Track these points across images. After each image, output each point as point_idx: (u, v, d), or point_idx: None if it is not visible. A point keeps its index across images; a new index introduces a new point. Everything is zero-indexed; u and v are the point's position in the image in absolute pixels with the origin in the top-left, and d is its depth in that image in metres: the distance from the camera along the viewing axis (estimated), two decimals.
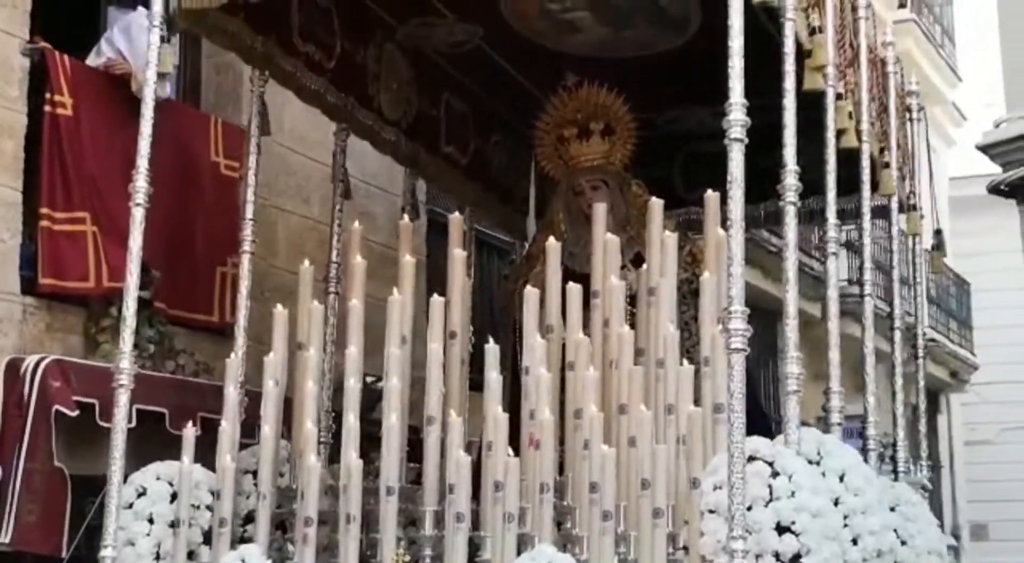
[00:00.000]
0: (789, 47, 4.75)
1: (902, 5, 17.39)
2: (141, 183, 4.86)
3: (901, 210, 6.50)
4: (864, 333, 5.66)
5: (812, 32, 4.90)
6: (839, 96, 5.30)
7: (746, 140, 4.26)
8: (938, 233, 6.90)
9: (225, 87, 7.32)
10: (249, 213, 5.56)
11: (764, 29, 4.88)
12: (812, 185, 5.07)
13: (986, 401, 19.97)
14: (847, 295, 5.98)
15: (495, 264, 9.44)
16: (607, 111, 6.25)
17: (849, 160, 5.61)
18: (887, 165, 5.88)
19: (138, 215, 4.84)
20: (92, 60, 6.26)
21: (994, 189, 8.08)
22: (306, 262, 5.32)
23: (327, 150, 7.29)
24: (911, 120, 6.90)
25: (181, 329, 6.47)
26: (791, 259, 4.67)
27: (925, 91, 17.95)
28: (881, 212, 6.51)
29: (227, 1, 4.83)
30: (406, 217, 5.85)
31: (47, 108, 5.92)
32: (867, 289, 5.85)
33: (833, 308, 5.18)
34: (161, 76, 4.79)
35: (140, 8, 6.23)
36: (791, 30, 4.74)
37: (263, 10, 5.34)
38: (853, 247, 12.37)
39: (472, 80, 6.81)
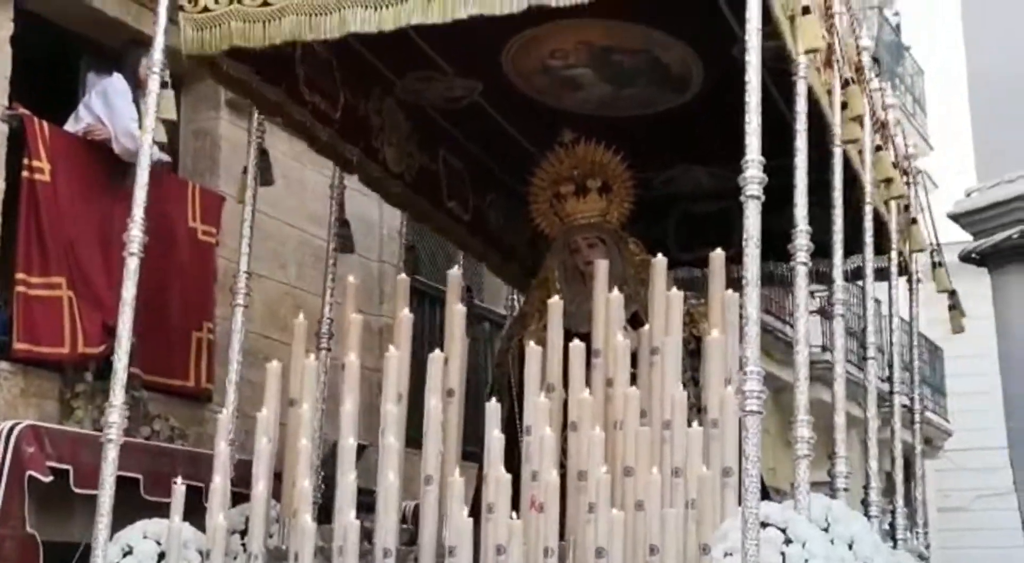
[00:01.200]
0: (801, 106, 4.69)
1: (877, 74, 17.55)
2: (136, 232, 4.72)
3: (901, 272, 6.46)
4: (868, 397, 5.57)
5: (846, 83, 4.84)
6: (878, 148, 5.25)
7: (763, 197, 4.17)
8: (953, 293, 6.86)
9: (203, 153, 7.33)
10: (244, 265, 5.44)
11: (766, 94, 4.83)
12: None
13: (960, 468, 19.89)
14: (817, 361, 5.92)
15: (484, 334, 9.30)
16: (604, 168, 6.18)
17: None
18: (915, 221, 5.81)
19: (132, 265, 4.70)
20: (71, 126, 6.28)
21: (966, 257, 8.09)
22: (300, 316, 5.22)
23: (303, 216, 7.36)
24: (910, 183, 6.90)
25: (156, 394, 6.44)
26: (801, 320, 4.59)
27: None
28: (878, 274, 6.46)
29: (228, 48, 4.72)
30: (403, 273, 5.73)
31: (25, 173, 5.93)
32: (871, 352, 5.76)
33: (839, 368, 5.11)
34: (163, 122, 4.67)
35: (116, 74, 6.30)
36: (803, 88, 4.69)
37: (270, 60, 5.27)
38: (826, 313, 12.41)
39: (468, 136, 6.73)
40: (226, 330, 5.61)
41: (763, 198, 4.19)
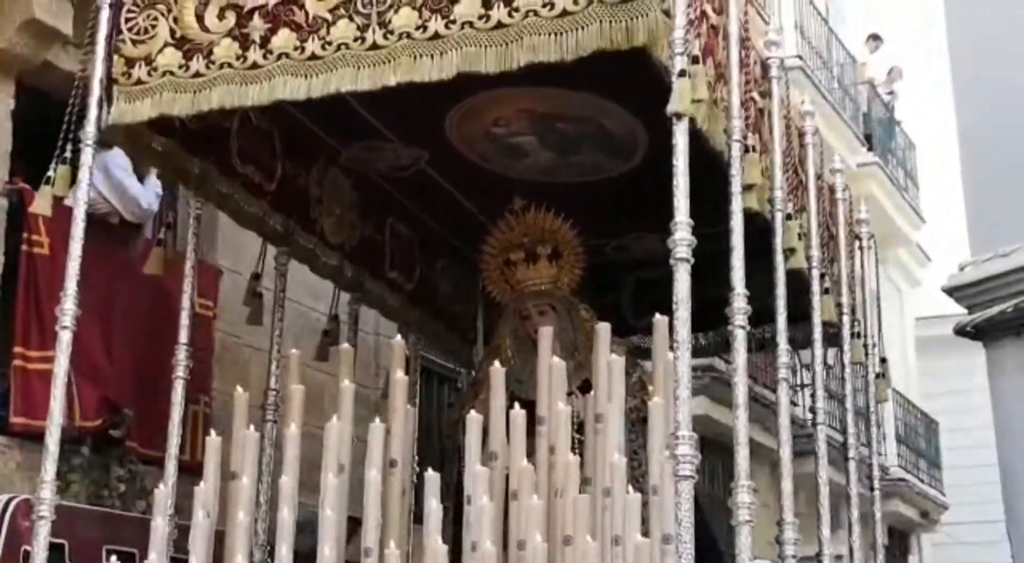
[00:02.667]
0: (736, 169, 4.70)
1: (870, 148, 17.67)
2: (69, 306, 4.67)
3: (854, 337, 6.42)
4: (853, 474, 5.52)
5: (747, 150, 4.84)
6: (788, 216, 5.25)
7: (692, 260, 4.16)
8: (883, 361, 6.84)
9: (202, 228, 7.20)
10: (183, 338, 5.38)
11: (714, 159, 4.83)
12: (763, 313, 5.00)
13: (958, 541, 19.72)
14: (800, 435, 5.88)
15: (444, 393, 9.23)
16: (554, 235, 6.16)
17: (794, 287, 5.52)
18: (827, 291, 5.80)
19: (64, 338, 4.66)
20: (70, 200, 6.21)
21: (960, 331, 8.11)
22: (239, 388, 5.17)
23: (304, 290, 7.28)
24: (861, 248, 6.87)
25: (152, 468, 6.33)
26: (740, 383, 4.54)
27: (889, 233, 18.28)
28: (833, 340, 6.42)
29: (157, 116, 4.72)
30: (346, 343, 5.69)
31: (24, 247, 6.01)
32: (819, 418, 5.73)
33: (784, 435, 5.06)
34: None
35: (116, 149, 6.25)
36: (738, 151, 4.69)
37: (199, 134, 5.29)
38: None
39: (417, 205, 6.69)
40: (223, 404, 5.63)
41: (692, 261, 4.17)
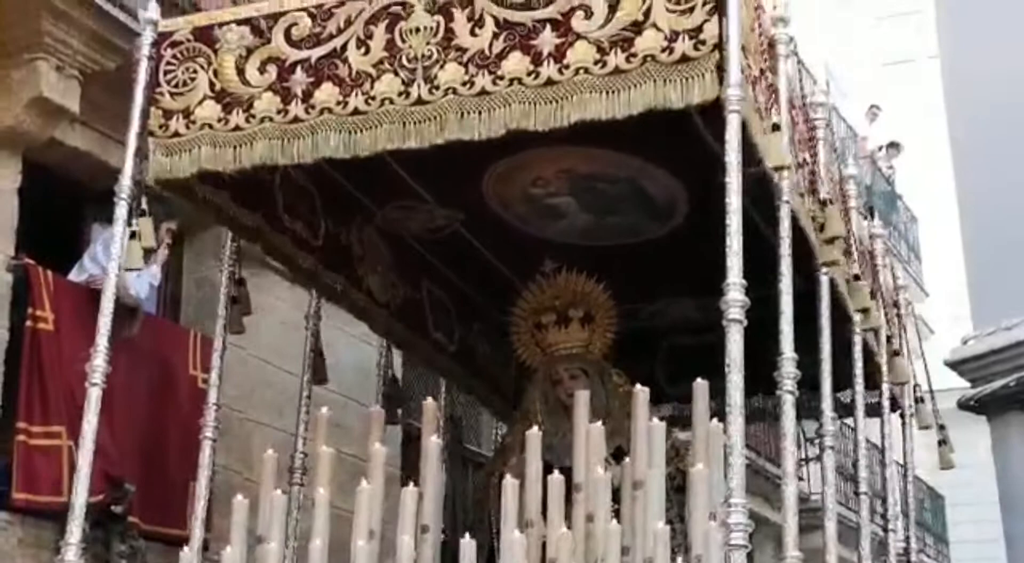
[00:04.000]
0: (785, 230, 4.60)
1: (870, 215, 17.59)
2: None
3: (893, 408, 6.28)
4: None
5: (823, 203, 4.74)
6: (856, 277, 5.14)
7: (745, 321, 4.04)
8: (942, 428, 6.70)
9: (204, 301, 7.23)
10: (213, 397, 5.25)
11: (751, 225, 4.74)
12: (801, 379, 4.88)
13: None
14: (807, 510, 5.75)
15: (469, 476, 9.06)
16: (587, 298, 6.08)
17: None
18: (897, 353, 5.68)
19: (94, 395, 4.55)
20: (75, 275, 6.31)
21: (964, 405, 8.01)
22: (270, 450, 5.04)
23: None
24: (900, 315, 6.76)
25: (155, 544, 6.30)
26: (789, 449, 4.41)
27: None
28: (872, 410, 6.29)
29: (197, 172, 4.64)
30: (377, 405, 5.57)
31: (28, 323, 5.97)
32: (862, 488, 5.59)
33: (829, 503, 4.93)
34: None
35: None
36: (786, 211, 4.60)
37: (247, 186, 5.21)
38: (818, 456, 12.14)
39: (450, 267, 6.59)
40: (226, 479, 5.55)
41: (745, 322, 4.06)
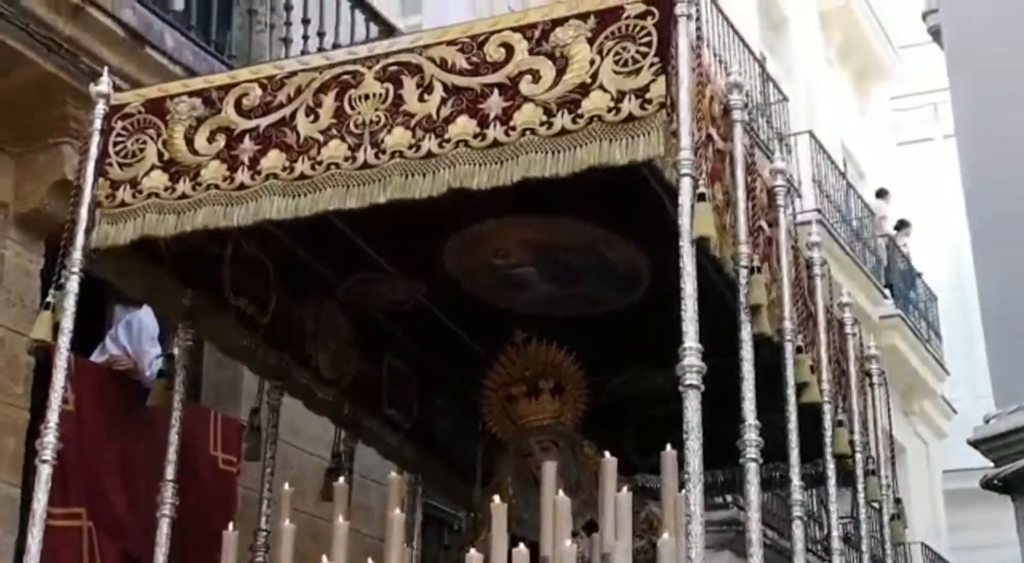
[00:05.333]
0: (743, 296, 4.53)
1: (888, 289, 17.56)
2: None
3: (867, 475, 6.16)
4: None
5: (752, 272, 4.68)
6: (799, 349, 5.06)
7: (702, 387, 3.97)
8: (898, 501, 6.58)
9: (225, 382, 7.29)
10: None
11: (718, 291, 4.68)
12: (775, 451, 4.79)
13: None
14: None
15: (444, 538, 8.91)
16: (557, 369, 6.01)
17: (806, 424, 5.31)
18: (840, 424, 5.58)
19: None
20: (96, 357, 6.31)
21: (988, 484, 7.88)
22: (230, 526, 4.93)
23: (323, 444, 7.02)
24: (871, 385, 6.66)
25: None
26: (754, 520, 4.30)
27: (914, 385, 18.11)
28: (847, 480, 6.17)
29: (138, 238, 4.59)
30: (342, 479, 5.45)
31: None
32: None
33: None
34: None
35: (145, 307, 6.29)
36: (744, 278, 4.54)
37: (189, 262, 5.17)
38: (819, 521, 11.96)
39: (415, 340, 6.50)
40: (246, 561, 5.47)
41: (703, 388, 3.99)
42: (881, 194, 18.93)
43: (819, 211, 15.15)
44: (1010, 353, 8.36)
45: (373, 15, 7.87)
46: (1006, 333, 8.43)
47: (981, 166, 8.69)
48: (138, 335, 6.27)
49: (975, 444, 8.16)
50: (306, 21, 7.47)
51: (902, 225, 19.09)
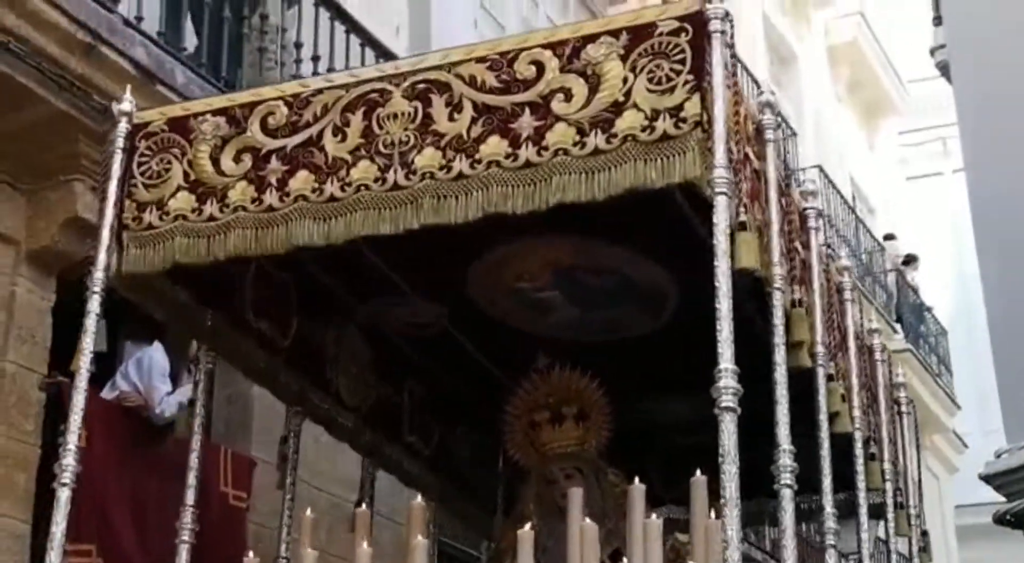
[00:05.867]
0: (778, 319, 4.45)
1: (898, 323, 17.46)
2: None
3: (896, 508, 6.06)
4: None
5: (793, 305, 4.60)
6: (830, 377, 4.97)
7: (738, 410, 3.87)
8: (924, 534, 6.48)
9: (235, 418, 7.28)
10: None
11: (747, 315, 4.59)
12: (805, 482, 4.70)
13: None
14: None
15: None
16: (580, 395, 5.92)
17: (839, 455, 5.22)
18: (873, 457, 5.49)
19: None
20: (107, 393, 6.29)
21: (1000, 519, 7.78)
22: (250, 554, 4.85)
23: (334, 479, 7.11)
24: (900, 414, 6.57)
25: None
26: (789, 546, 4.21)
27: (925, 420, 18.02)
28: (876, 512, 6.06)
29: (171, 265, 4.52)
30: (363, 505, 5.36)
31: (60, 440, 5.72)
32: None
33: None
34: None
35: (156, 343, 6.31)
36: (779, 300, 4.45)
37: (212, 282, 5.08)
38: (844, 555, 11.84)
39: (436, 366, 6.40)
40: None
41: (739, 410, 3.88)
42: (888, 240, 18.81)
43: (829, 245, 15.08)
44: (1020, 387, 8.27)
45: (384, 53, 7.88)
46: (1016, 367, 8.35)
47: (990, 200, 8.64)
48: (148, 371, 6.25)
49: (986, 479, 8.07)
50: (316, 58, 7.48)
51: (911, 259, 19.03)
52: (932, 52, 9.76)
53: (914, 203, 21.63)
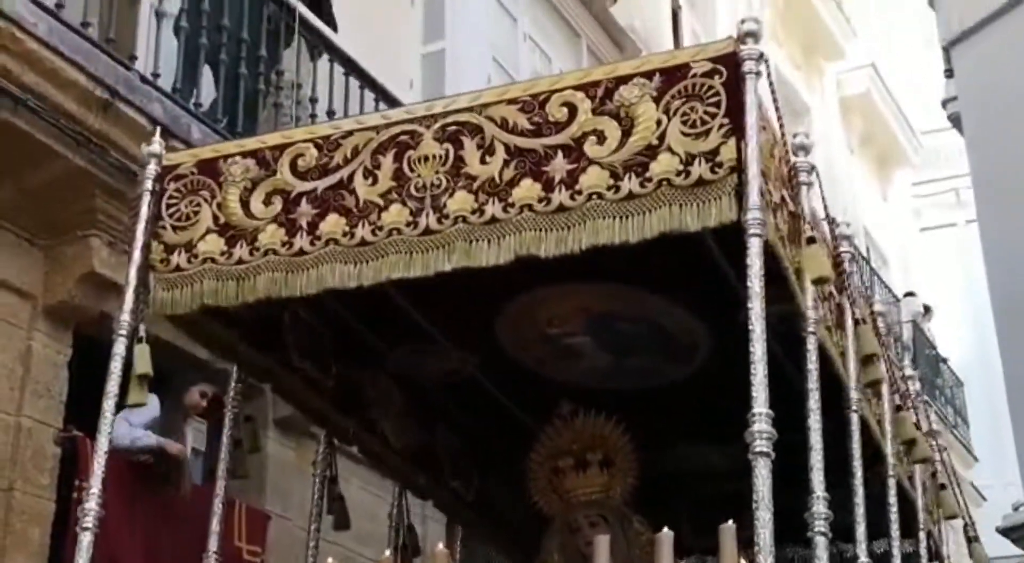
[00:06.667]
0: (812, 363, 4.38)
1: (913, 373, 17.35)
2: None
3: (932, 558, 5.94)
4: None
5: (857, 323, 4.54)
6: (898, 408, 4.90)
7: (772, 454, 3.80)
8: None
9: (250, 472, 7.06)
10: None
11: (777, 362, 4.53)
12: (838, 530, 4.61)
13: None
14: None
15: None
16: (605, 441, 5.85)
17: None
18: (943, 487, 5.39)
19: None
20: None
21: None
22: None
23: (349, 535, 6.82)
24: (940, 449, 6.49)
25: None
26: None
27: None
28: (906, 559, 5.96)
29: (199, 308, 4.49)
30: (388, 552, 5.30)
31: (75, 494, 5.91)
32: None
33: None
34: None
35: (152, 395, 6.13)
36: (813, 344, 4.39)
37: (257, 324, 5.08)
38: None
39: (466, 412, 6.33)
40: None
41: (773, 455, 3.81)
42: (907, 297, 18.72)
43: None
44: None
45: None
46: None
47: (1004, 251, 8.59)
48: (138, 414, 6.15)
49: (1004, 532, 7.96)
50: (331, 113, 7.50)
51: (926, 310, 18.93)
52: (944, 104, 9.77)
53: (928, 254, 21.56)
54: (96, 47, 6.08)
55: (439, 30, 10.27)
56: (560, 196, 4.08)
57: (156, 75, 6.50)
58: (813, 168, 4.65)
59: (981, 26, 8.40)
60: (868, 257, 17.65)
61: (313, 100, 7.51)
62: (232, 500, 6.65)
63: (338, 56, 7.75)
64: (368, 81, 7.81)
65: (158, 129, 4.97)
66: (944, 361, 19.26)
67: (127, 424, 6.05)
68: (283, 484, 6.89)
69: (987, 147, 8.52)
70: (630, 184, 4.01)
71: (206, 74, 7.07)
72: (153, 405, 6.28)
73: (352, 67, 7.81)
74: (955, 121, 9.32)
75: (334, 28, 7.93)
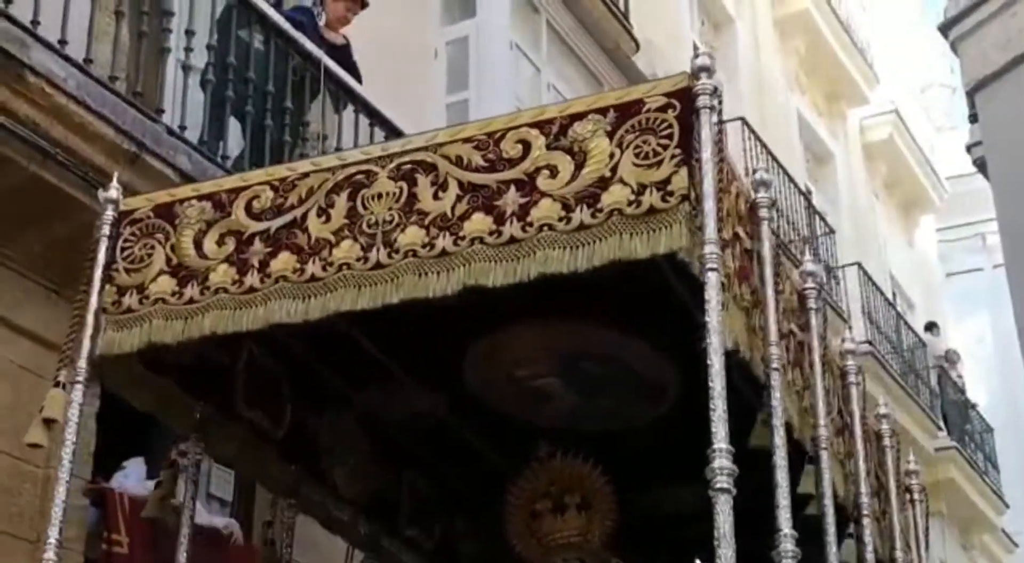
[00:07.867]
0: (776, 400, 4.32)
1: (943, 421, 17.24)
2: None
3: None
4: None
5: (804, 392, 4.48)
6: (809, 459, 4.80)
7: (734, 490, 3.74)
8: None
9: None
10: None
11: (745, 400, 4.47)
12: None
13: None
14: None
15: None
16: (583, 483, 5.80)
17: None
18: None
19: None
20: (148, 512, 6.23)
21: None
22: None
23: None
24: (912, 502, 6.36)
25: None
26: None
27: (973, 519, 17.76)
28: None
29: (145, 346, 4.45)
30: None
31: (104, 546, 6.02)
32: None
33: None
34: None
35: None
36: (776, 379, 4.33)
37: (199, 372, 5.01)
38: None
39: (435, 455, 6.25)
40: None
41: (734, 491, 3.75)
42: (929, 331, 18.69)
43: (870, 343, 14.97)
44: None
45: None
46: None
47: None
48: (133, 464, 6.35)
49: None
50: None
51: (953, 357, 18.89)
52: (968, 149, 9.76)
53: (955, 299, 21.55)
54: (124, 101, 6.15)
55: (463, 80, 10.34)
56: (511, 228, 4.04)
57: (183, 128, 6.57)
58: (774, 203, 4.60)
59: (1005, 71, 8.40)
60: (894, 302, 17.60)
61: (339, 150, 7.50)
62: (256, 548, 6.61)
63: (363, 107, 7.79)
64: (393, 131, 7.80)
65: (115, 174, 4.92)
66: (973, 407, 19.17)
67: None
68: (311, 532, 6.52)
69: (1013, 191, 8.51)
70: (581, 215, 3.98)
71: (233, 126, 7.13)
72: (140, 468, 6.27)
73: (377, 117, 7.84)
74: (980, 166, 9.31)
75: (359, 79, 7.99)
